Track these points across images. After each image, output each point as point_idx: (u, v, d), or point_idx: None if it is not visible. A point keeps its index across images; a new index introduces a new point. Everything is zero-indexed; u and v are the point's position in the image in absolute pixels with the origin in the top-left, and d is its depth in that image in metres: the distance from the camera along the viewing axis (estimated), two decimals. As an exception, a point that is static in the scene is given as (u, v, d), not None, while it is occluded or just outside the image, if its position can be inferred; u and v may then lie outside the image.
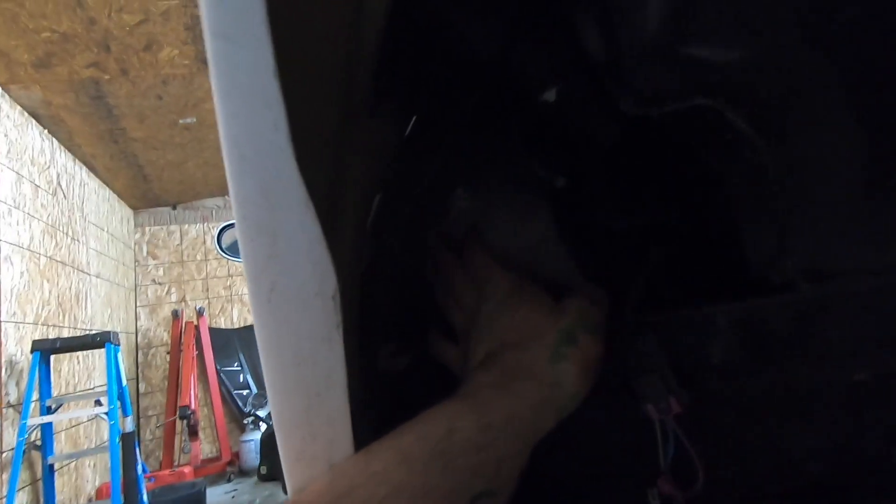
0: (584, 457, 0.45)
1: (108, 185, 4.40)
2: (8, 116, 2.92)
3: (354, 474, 0.29)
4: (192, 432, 4.30)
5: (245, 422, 4.68)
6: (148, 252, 5.04)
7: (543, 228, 0.45)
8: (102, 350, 3.09)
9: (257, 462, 4.24)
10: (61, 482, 3.06)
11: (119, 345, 3.07)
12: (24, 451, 2.58)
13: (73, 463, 3.30)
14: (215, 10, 0.23)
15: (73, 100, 3.07)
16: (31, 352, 2.74)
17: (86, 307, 3.75)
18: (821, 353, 0.35)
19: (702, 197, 0.42)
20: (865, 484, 0.39)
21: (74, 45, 2.55)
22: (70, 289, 3.51)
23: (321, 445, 0.29)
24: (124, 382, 3.08)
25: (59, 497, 2.90)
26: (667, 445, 0.38)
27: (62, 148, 3.59)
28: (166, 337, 4.89)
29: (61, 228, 3.45)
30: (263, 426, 4.56)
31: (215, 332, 4.92)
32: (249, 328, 5.02)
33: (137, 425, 4.51)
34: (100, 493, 3.48)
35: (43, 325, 3.09)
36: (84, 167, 3.94)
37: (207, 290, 5.10)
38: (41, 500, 2.82)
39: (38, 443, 2.79)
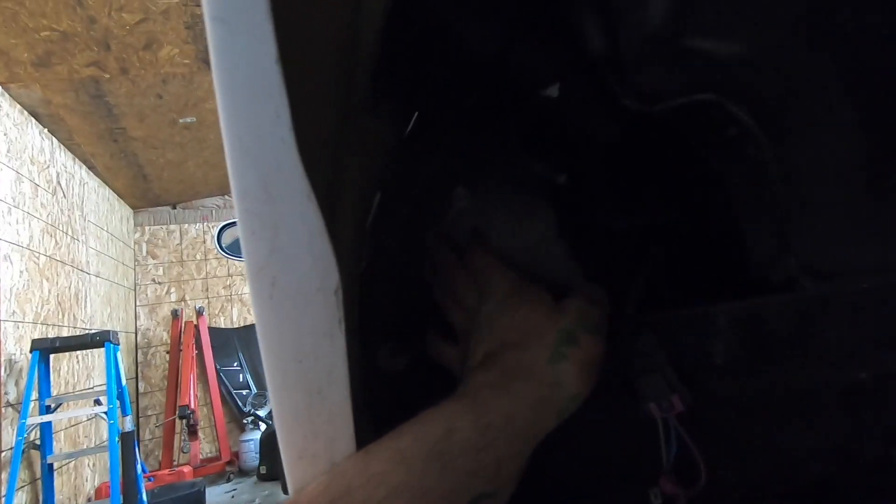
0: (585, 457, 0.45)
1: (107, 185, 4.39)
2: (7, 115, 2.92)
3: (353, 475, 0.29)
4: (192, 432, 4.29)
5: (245, 421, 4.68)
6: (147, 251, 5.03)
7: (543, 228, 0.45)
8: (102, 349, 3.09)
9: (257, 462, 4.24)
10: (60, 481, 3.06)
11: (118, 344, 3.07)
12: (23, 451, 2.57)
13: (73, 462, 3.30)
14: None
15: (73, 99, 3.07)
16: (31, 351, 2.74)
17: (85, 306, 3.75)
18: (820, 353, 0.35)
19: (702, 196, 0.42)
20: (865, 484, 0.39)
21: (74, 44, 2.55)
22: (69, 288, 3.50)
23: (322, 444, 0.29)
24: (124, 382, 3.08)
25: (58, 496, 2.90)
26: (669, 444, 0.38)
27: (62, 147, 3.59)
28: (166, 336, 4.89)
29: (61, 227, 3.44)
30: (263, 426, 4.56)
31: (215, 332, 4.92)
32: (249, 328, 5.02)
33: (137, 425, 4.50)
34: (99, 492, 3.48)
35: (42, 324, 3.08)
36: (84, 166, 3.94)
37: (207, 289, 5.10)
38: (40, 499, 2.82)
39: (38, 442, 2.79)
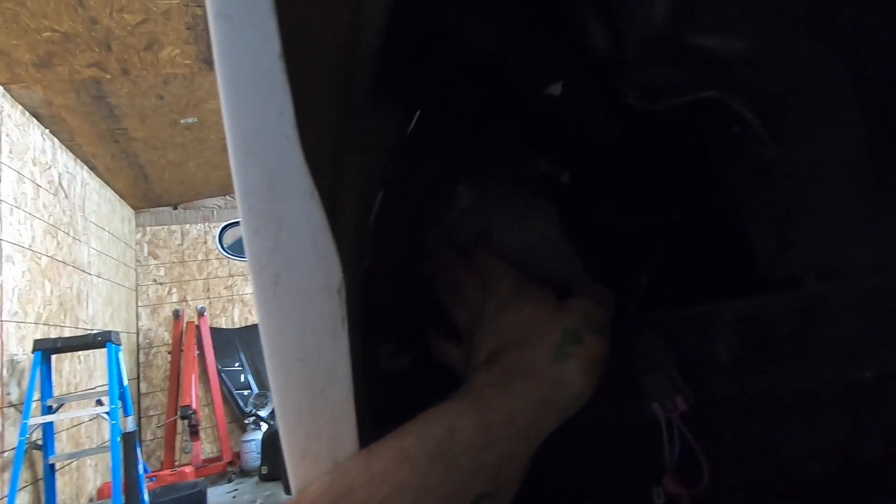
0: (588, 457, 0.45)
1: (109, 185, 4.40)
2: (9, 116, 2.92)
3: (355, 475, 0.29)
4: (194, 432, 4.30)
5: (246, 422, 4.68)
6: (149, 252, 5.04)
7: (544, 228, 0.45)
8: (103, 350, 3.09)
9: (258, 462, 4.24)
10: (62, 482, 3.06)
11: (120, 344, 3.07)
12: (25, 451, 2.58)
13: (75, 462, 3.30)
14: None
15: (75, 99, 3.07)
16: (33, 351, 2.74)
17: (87, 307, 3.75)
18: (823, 352, 0.35)
19: (704, 195, 0.42)
20: (865, 484, 0.39)
21: (75, 45, 2.55)
22: (71, 288, 3.51)
23: (325, 443, 0.29)
24: (125, 382, 3.08)
25: (60, 497, 2.90)
26: (672, 443, 0.38)
27: (63, 148, 3.59)
28: (167, 337, 4.89)
29: (62, 228, 3.45)
30: (265, 426, 4.56)
31: (216, 332, 4.92)
32: (250, 328, 5.03)
33: (139, 425, 4.51)
34: (101, 492, 3.49)
35: (44, 324, 3.09)
36: (85, 167, 3.94)
37: (208, 289, 5.10)
38: (42, 499, 2.82)
39: (40, 442, 2.79)
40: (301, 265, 0.26)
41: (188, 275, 5.08)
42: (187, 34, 2.62)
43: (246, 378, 4.92)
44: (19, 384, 2.78)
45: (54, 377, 2.91)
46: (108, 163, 4.01)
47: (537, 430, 0.34)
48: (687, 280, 0.44)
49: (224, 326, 5.07)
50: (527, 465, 0.35)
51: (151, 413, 4.72)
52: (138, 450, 3.08)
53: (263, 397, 4.77)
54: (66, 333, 3.31)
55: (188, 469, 3.97)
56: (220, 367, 4.81)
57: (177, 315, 4.89)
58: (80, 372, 3.54)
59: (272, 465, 4.00)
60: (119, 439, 2.85)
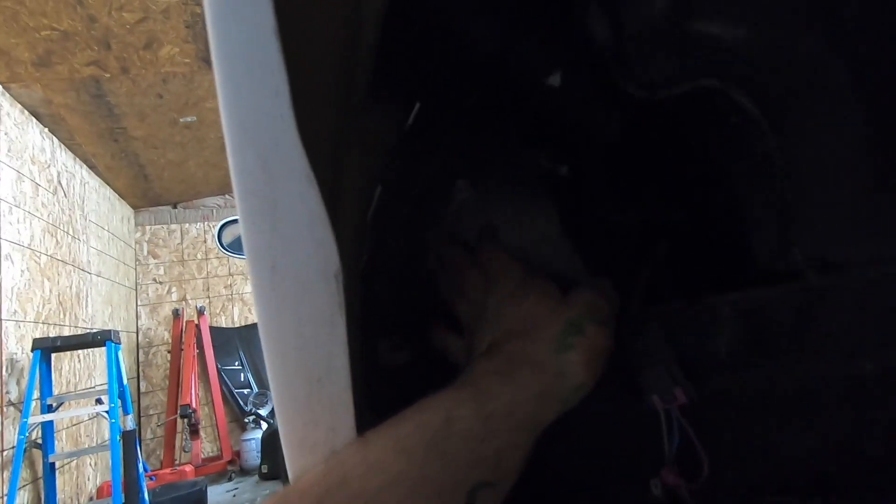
0: (587, 449, 0.45)
1: (108, 184, 4.40)
2: (8, 115, 2.92)
3: (350, 464, 0.28)
4: (193, 431, 4.30)
5: (246, 420, 4.68)
6: (148, 251, 5.04)
7: (545, 228, 0.45)
8: (103, 349, 3.09)
9: (258, 461, 4.24)
10: (62, 481, 3.06)
11: (120, 343, 3.07)
12: (25, 450, 2.58)
13: (74, 461, 3.31)
14: None
15: (74, 98, 3.07)
16: (32, 350, 2.74)
17: (86, 306, 3.75)
18: (823, 346, 0.35)
19: (705, 189, 0.42)
20: (865, 484, 0.39)
21: (75, 44, 2.55)
22: (71, 287, 3.51)
23: (323, 432, 0.29)
24: (125, 381, 3.08)
25: (60, 495, 2.90)
26: (671, 435, 0.38)
27: (63, 146, 3.59)
28: (167, 336, 4.89)
29: (62, 227, 3.45)
30: (264, 425, 4.56)
31: (216, 331, 4.92)
32: (250, 327, 5.03)
33: (138, 424, 4.51)
34: (101, 491, 3.49)
35: (44, 323, 3.09)
36: (84, 166, 3.94)
37: (208, 289, 5.10)
38: (42, 498, 2.82)
39: (39, 441, 2.79)
40: (297, 250, 0.26)
41: (188, 274, 5.08)
42: (186, 33, 2.62)
43: (246, 377, 4.92)
44: (19, 383, 2.78)
45: (54, 376, 2.91)
46: (108, 162, 4.01)
47: (537, 422, 0.34)
48: (689, 274, 0.44)
49: (224, 325, 5.07)
50: (526, 457, 0.34)
51: (151, 412, 4.72)
52: (138, 449, 3.08)
53: (263, 396, 4.77)
54: (66, 332, 3.31)
55: (188, 468, 3.96)
56: (219, 366, 4.81)
57: (176, 314, 4.89)
58: (80, 371, 3.54)
59: (272, 464, 4.00)
60: (119, 438, 2.85)
